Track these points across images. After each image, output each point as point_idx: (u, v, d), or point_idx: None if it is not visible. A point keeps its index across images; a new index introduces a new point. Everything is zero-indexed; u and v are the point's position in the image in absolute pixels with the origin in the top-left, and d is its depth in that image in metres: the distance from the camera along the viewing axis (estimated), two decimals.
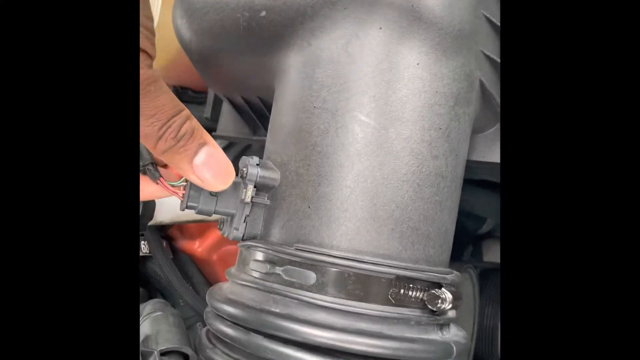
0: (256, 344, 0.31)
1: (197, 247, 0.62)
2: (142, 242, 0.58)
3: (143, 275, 0.60)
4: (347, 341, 0.30)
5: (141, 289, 0.59)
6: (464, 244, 0.89)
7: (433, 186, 0.33)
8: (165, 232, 0.63)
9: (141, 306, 0.53)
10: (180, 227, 0.62)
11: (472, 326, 0.70)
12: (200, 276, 0.61)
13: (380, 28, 0.32)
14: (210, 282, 0.62)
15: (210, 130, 0.54)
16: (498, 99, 0.39)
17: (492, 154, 0.43)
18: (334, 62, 0.33)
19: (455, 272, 0.35)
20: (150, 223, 0.56)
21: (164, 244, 0.60)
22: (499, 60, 0.38)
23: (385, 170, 0.32)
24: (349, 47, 0.32)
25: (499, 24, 0.37)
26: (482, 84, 0.37)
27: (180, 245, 0.62)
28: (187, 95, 0.63)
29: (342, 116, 0.32)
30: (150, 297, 0.59)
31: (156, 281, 0.59)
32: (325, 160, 0.32)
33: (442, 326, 0.34)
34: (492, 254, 0.99)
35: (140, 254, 0.58)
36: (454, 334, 0.34)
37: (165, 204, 0.56)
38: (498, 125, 0.42)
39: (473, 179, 0.63)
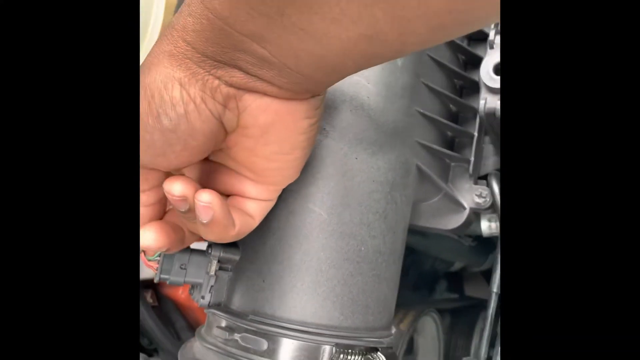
0: None
1: (181, 293, 0.67)
2: None
3: None
4: None
5: None
6: (435, 281, 0.95)
7: (371, 262, 0.38)
8: (151, 281, 0.68)
9: None
10: None
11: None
12: (182, 321, 0.67)
13: (325, 128, 0.38)
14: (193, 326, 0.67)
15: None
16: (435, 178, 0.44)
17: (436, 221, 0.49)
18: None
19: (392, 333, 0.40)
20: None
21: (150, 293, 0.66)
22: (433, 146, 0.43)
23: (328, 250, 0.37)
24: None
25: (432, 115, 0.43)
26: (418, 167, 0.43)
27: (165, 292, 0.68)
28: None
29: (293, 203, 0.38)
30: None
31: (142, 327, 0.64)
32: (278, 241, 0.38)
33: None
34: (471, 289, 1.05)
35: None
36: None
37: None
38: (440, 196, 0.48)
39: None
